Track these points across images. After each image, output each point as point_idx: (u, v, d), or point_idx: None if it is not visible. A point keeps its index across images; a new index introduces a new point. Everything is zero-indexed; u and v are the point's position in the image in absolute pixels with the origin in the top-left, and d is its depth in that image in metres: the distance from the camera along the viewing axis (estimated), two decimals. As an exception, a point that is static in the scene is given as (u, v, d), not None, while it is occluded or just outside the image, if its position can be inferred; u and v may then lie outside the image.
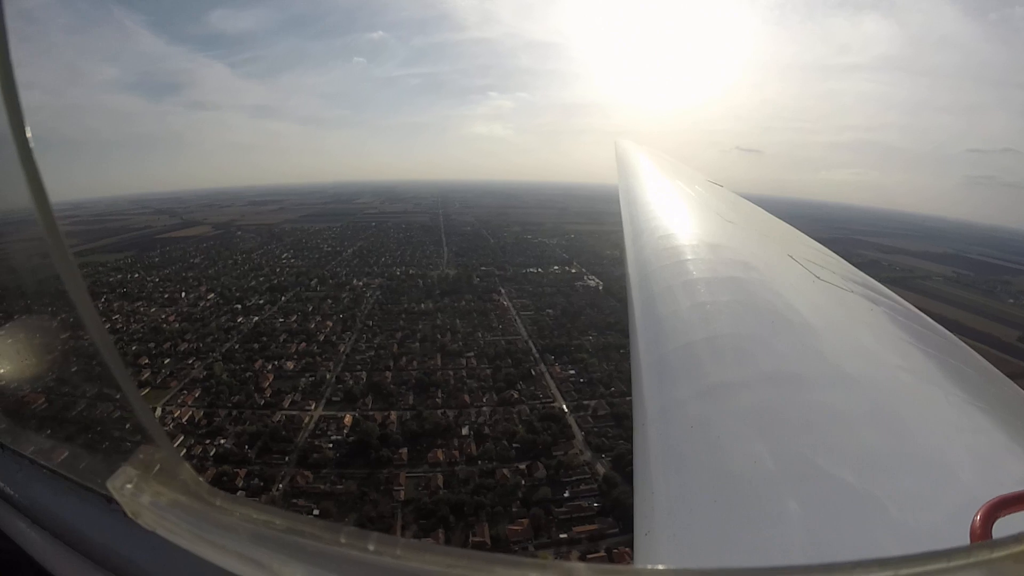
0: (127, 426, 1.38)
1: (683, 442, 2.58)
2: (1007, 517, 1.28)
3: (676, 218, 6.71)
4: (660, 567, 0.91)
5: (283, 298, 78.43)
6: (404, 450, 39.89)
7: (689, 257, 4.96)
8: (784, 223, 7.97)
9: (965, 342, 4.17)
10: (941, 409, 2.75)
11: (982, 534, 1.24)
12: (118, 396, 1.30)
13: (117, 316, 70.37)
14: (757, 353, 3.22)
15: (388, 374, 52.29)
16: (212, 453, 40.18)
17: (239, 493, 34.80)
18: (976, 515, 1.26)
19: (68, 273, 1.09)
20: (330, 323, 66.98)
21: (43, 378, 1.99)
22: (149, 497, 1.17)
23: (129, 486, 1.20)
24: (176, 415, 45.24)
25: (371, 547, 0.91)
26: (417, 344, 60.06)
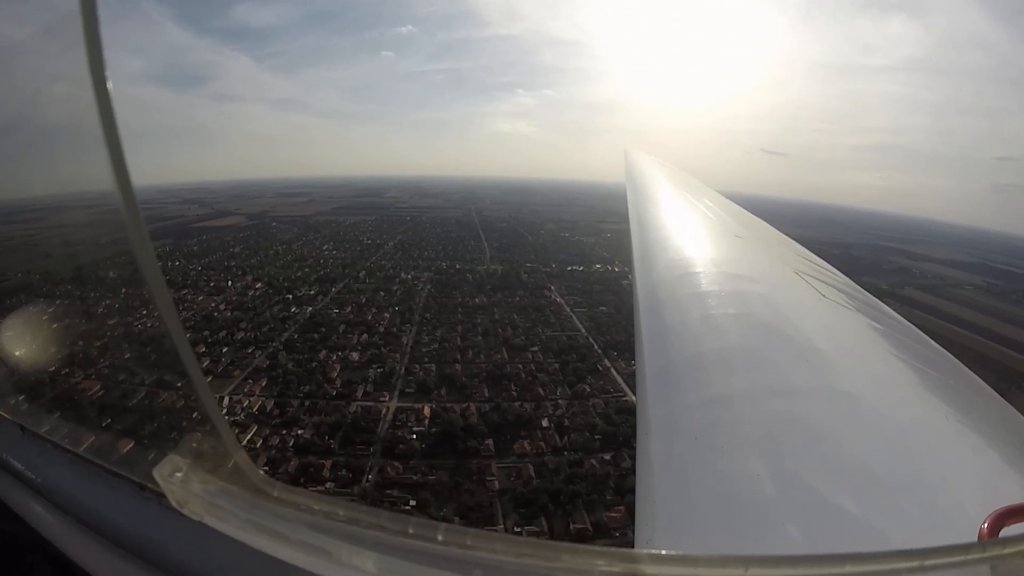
0: (177, 412, 1.39)
1: (686, 452, 2.62)
2: (1014, 526, 1.32)
3: (684, 231, 6.89)
4: (712, 554, 0.93)
5: (334, 289, 78.60)
6: (490, 441, 39.86)
7: (696, 270, 5.04)
8: (790, 239, 7.99)
9: (976, 357, 4.12)
10: (941, 428, 2.77)
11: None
12: (175, 381, 1.26)
13: None
14: (761, 367, 3.29)
15: (458, 366, 52.30)
16: (292, 444, 40.04)
17: (328, 485, 35.64)
18: (984, 523, 1.30)
19: (144, 257, 1.08)
20: (387, 315, 67.03)
21: (73, 363, 1.99)
22: (199, 485, 1.16)
23: (178, 475, 1.19)
24: (245, 404, 45.26)
25: (440, 537, 0.92)
26: (480, 338, 60.07)
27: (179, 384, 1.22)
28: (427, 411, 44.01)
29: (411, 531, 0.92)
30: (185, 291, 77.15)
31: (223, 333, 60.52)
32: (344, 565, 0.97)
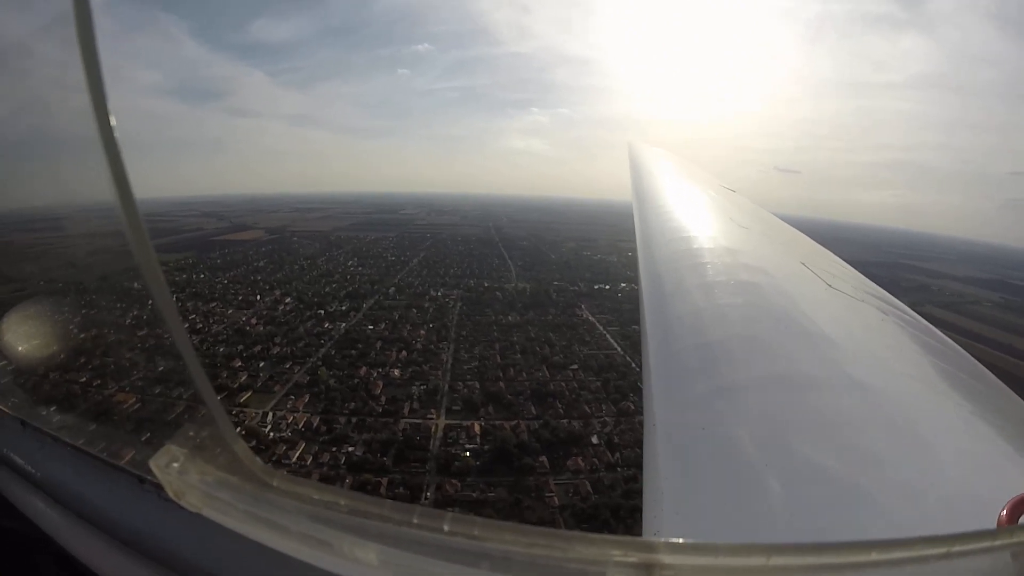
0: (173, 402, 1.44)
1: (693, 443, 2.61)
2: None
3: (689, 221, 6.73)
4: (733, 542, 0.92)
5: (365, 305, 79.08)
6: (543, 458, 40.07)
7: (701, 260, 5.00)
8: (796, 231, 7.89)
9: (975, 356, 4.15)
10: (951, 419, 2.80)
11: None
12: (171, 371, 1.37)
13: (194, 316, 71.18)
14: (769, 356, 3.25)
15: (501, 384, 52.67)
16: (343, 461, 40.17)
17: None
18: (1002, 510, 1.29)
19: (144, 256, 1.05)
20: (422, 332, 67.31)
21: (71, 356, 2.02)
22: (197, 476, 1.14)
23: (175, 465, 1.17)
24: (290, 420, 45.51)
25: (446, 527, 0.90)
26: (519, 356, 60.39)
27: (176, 375, 1.27)
28: (477, 428, 44.30)
29: (416, 521, 0.91)
30: (213, 304, 77.83)
31: (258, 348, 60.75)
32: (346, 557, 0.97)
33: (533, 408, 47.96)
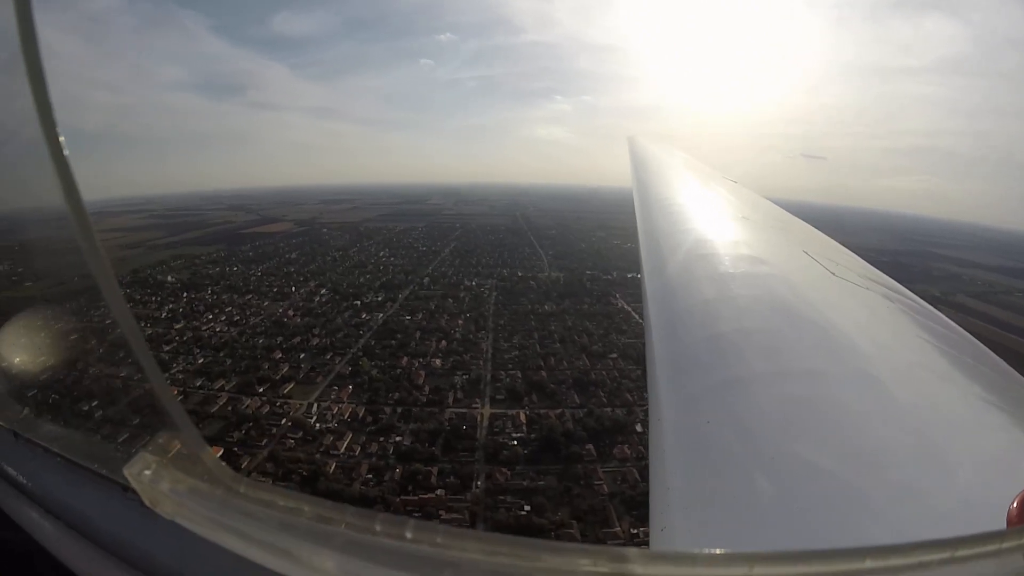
0: (145, 412, 1.36)
1: (699, 437, 2.56)
2: None
3: (691, 213, 6.71)
4: (713, 551, 0.86)
5: (401, 296, 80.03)
6: (590, 446, 40.46)
7: (705, 252, 4.95)
8: (799, 220, 7.78)
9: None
10: (959, 406, 2.76)
11: (1019, 521, 1.22)
12: (138, 381, 1.26)
13: (230, 308, 73.10)
14: (774, 348, 3.20)
15: (543, 373, 53.00)
16: (392, 451, 40.60)
17: (438, 492, 35.91)
18: (1013, 503, 1.23)
19: (95, 260, 1.06)
20: (460, 322, 68.05)
21: (61, 366, 1.99)
22: (168, 484, 1.15)
23: (147, 472, 1.18)
24: (335, 411, 46.24)
25: (409, 535, 0.88)
26: (558, 345, 60.69)
27: (143, 384, 1.21)
28: (523, 417, 44.72)
29: (378, 528, 0.89)
30: (249, 296, 79.58)
31: (297, 339, 61.87)
32: (304, 566, 0.95)
33: (576, 397, 48.28)
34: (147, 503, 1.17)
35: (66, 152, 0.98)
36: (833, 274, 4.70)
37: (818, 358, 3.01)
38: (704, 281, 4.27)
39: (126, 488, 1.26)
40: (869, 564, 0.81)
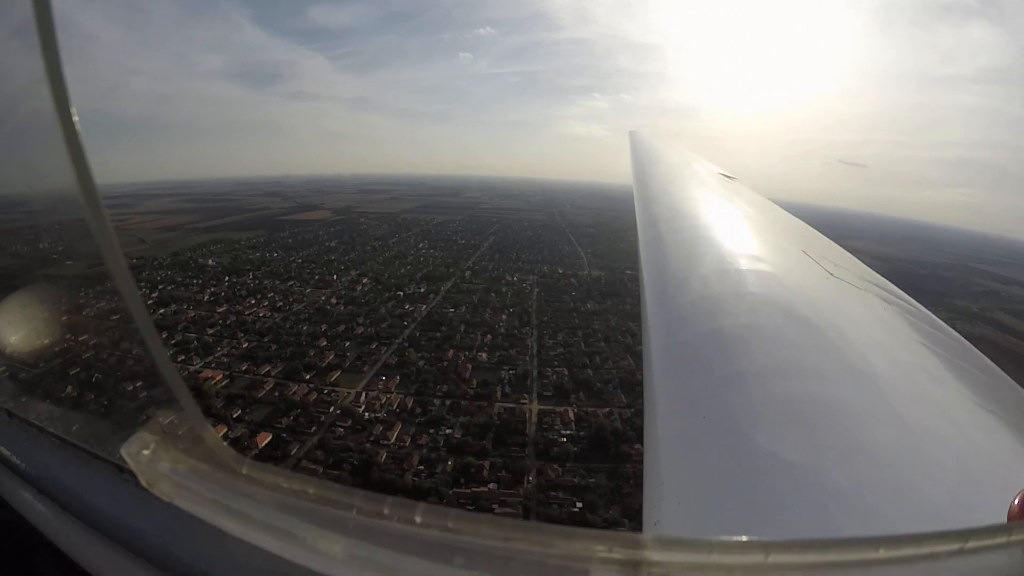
0: (145, 390, 1.35)
1: (694, 433, 2.53)
2: None
3: (689, 209, 6.63)
4: (729, 538, 0.84)
5: (443, 288, 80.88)
6: (639, 446, 40.33)
7: (702, 249, 4.92)
8: (798, 220, 7.58)
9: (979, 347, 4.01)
10: (954, 409, 2.75)
11: (1020, 518, 1.20)
12: (139, 357, 1.22)
13: (272, 294, 74.32)
14: (770, 345, 3.16)
15: (589, 371, 53.46)
16: (442, 443, 41.08)
17: (490, 486, 36.19)
18: (1014, 499, 1.22)
19: (100, 231, 1.01)
20: (504, 316, 68.77)
21: (57, 342, 1.96)
22: (167, 464, 1.12)
23: (145, 452, 1.15)
24: (383, 401, 46.86)
25: (418, 519, 0.85)
26: (603, 344, 61.06)
27: (143, 362, 1.14)
28: (571, 414, 45.16)
29: (386, 511, 0.87)
30: (291, 282, 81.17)
31: (341, 327, 62.89)
32: (310, 548, 0.92)
33: (623, 396, 48.57)
34: (144, 484, 1.15)
35: (77, 127, 0.96)
36: (831, 274, 4.73)
37: (814, 356, 2.99)
38: (701, 278, 4.26)
39: (122, 469, 1.25)
40: (883, 553, 0.81)
